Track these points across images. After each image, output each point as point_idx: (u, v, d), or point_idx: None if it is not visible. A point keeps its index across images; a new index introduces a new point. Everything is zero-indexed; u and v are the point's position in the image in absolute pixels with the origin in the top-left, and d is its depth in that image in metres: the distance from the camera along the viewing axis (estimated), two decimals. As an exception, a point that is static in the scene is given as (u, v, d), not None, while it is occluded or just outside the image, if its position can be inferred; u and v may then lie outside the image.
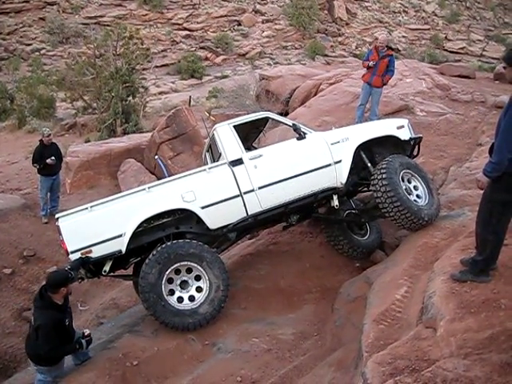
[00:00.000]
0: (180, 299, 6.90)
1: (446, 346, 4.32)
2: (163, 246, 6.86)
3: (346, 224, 8.64)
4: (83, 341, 6.01)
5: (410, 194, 7.36)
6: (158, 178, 12.54)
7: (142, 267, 6.80)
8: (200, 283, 6.99)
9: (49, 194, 12.29)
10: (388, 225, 8.75)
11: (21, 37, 37.70)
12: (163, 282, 6.75)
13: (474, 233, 5.23)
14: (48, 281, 5.95)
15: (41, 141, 12.12)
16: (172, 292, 6.90)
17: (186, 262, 6.89)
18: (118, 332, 7.06)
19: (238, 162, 7.32)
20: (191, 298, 6.93)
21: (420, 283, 5.75)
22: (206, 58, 39.75)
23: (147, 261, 6.76)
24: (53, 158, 11.81)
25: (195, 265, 6.91)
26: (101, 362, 6.27)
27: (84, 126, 21.66)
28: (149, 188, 7.14)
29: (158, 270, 6.70)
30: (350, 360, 5.53)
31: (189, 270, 6.98)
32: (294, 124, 7.70)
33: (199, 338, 6.72)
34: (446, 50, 46.03)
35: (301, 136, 7.61)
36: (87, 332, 6.15)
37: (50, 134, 12.25)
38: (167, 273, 6.79)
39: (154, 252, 6.80)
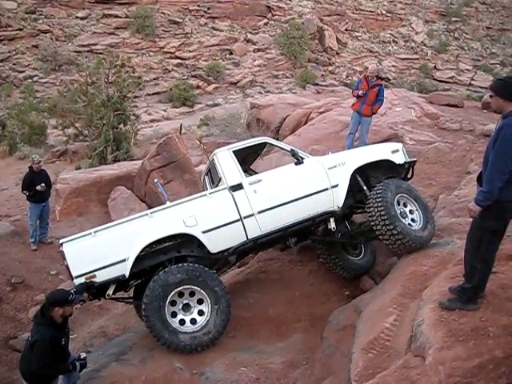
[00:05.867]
0: (182, 321, 6.96)
1: (435, 375, 4.31)
2: (191, 263, 6.98)
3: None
4: (77, 363, 5.93)
5: (403, 218, 7.39)
6: (149, 206, 12.52)
7: (153, 277, 6.89)
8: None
9: (38, 221, 12.22)
10: (378, 253, 8.76)
11: (14, 64, 37.88)
12: (171, 294, 6.83)
13: (462, 261, 5.25)
14: (46, 297, 6.03)
15: (30, 167, 12.12)
16: (174, 304, 6.97)
17: (199, 289, 6.95)
18: (105, 361, 6.96)
19: (238, 187, 7.40)
20: (192, 321, 6.98)
21: (409, 311, 5.74)
22: (198, 87, 40.10)
23: (167, 269, 6.90)
24: (42, 184, 11.79)
25: (206, 296, 6.97)
26: (87, 392, 6.18)
27: (75, 153, 21.70)
28: (151, 213, 7.22)
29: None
30: (339, 389, 5.49)
31: (200, 301, 7.05)
32: (292, 149, 7.76)
33: (187, 366, 6.63)
34: (435, 79, 46.83)
35: (299, 161, 7.68)
36: (83, 355, 6.08)
37: (39, 161, 12.27)
38: (179, 289, 6.87)
39: (180, 264, 6.93)
